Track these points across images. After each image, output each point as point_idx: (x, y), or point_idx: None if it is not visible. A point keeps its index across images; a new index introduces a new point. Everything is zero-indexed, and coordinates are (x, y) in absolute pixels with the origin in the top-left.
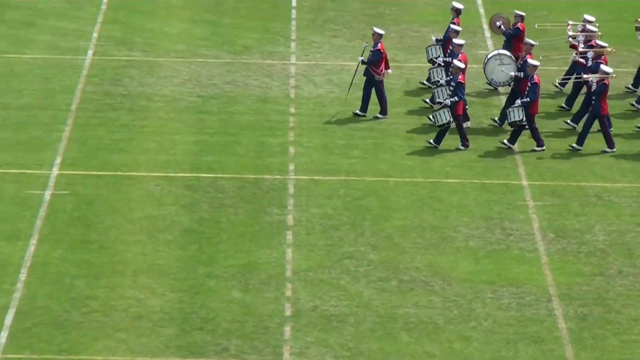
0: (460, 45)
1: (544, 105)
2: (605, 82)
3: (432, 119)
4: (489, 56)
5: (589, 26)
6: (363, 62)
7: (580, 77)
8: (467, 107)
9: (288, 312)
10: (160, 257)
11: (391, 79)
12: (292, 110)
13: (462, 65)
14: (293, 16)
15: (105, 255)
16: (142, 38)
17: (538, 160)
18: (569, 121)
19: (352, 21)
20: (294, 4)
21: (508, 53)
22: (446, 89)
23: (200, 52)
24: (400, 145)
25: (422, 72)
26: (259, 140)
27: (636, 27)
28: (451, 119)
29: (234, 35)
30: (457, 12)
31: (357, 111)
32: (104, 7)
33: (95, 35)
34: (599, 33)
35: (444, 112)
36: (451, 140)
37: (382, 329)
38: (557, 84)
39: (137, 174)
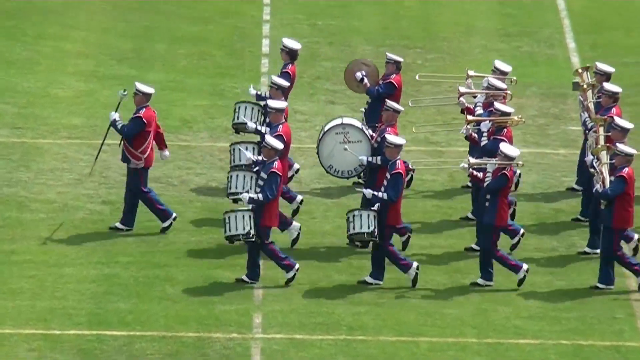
0: (280, 111)
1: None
2: (507, 172)
3: (223, 225)
4: (326, 128)
5: (493, 80)
6: (116, 129)
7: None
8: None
9: None
10: None
11: (428, 174)
12: None
13: (279, 146)
14: (264, 69)
15: None
16: (13, 106)
17: None
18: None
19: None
20: (265, 48)
21: (358, 123)
22: (250, 177)
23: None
24: (440, 283)
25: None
26: (204, 274)
27: (574, 83)
28: (251, 231)
29: (167, 101)
30: (292, 55)
31: (118, 224)
32: None
33: None
34: (508, 92)
35: (243, 217)
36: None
37: None
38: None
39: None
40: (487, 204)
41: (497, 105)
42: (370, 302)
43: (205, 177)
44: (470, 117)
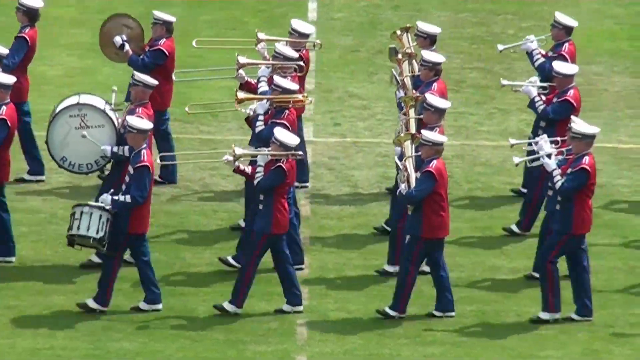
0: (5, 87)
1: None
2: (283, 165)
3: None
4: (58, 109)
5: (280, 47)
6: None
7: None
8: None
9: None
10: None
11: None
12: None
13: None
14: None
15: None
16: None
17: None
18: None
19: None
20: (312, 14)
21: (99, 102)
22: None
23: None
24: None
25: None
26: None
27: (391, 49)
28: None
29: (185, 82)
30: (30, 16)
31: None
32: None
33: None
34: (301, 63)
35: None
36: None
37: None
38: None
39: None
40: (260, 206)
41: (277, 79)
42: (445, 340)
43: (233, 180)
44: (241, 95)
